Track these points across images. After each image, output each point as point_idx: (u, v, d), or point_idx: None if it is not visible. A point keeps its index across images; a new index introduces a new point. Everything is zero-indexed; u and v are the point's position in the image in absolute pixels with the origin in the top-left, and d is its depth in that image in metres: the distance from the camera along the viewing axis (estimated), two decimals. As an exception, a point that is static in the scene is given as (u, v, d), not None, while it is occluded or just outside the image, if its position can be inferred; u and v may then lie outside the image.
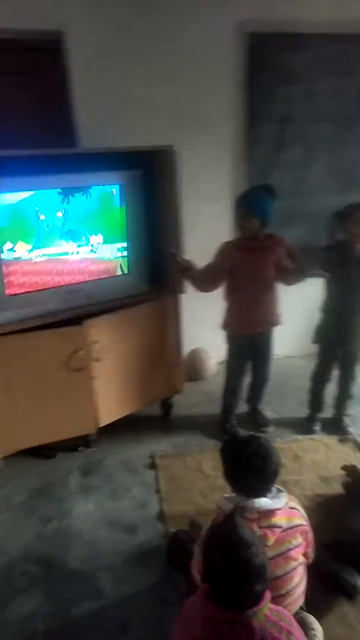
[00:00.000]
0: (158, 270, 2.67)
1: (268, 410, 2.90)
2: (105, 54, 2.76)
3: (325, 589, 1.68)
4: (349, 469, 2.17)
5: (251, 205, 2.36)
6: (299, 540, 1.51)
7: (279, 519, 1.49)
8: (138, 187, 2.47)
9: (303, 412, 2.91)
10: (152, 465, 2.47)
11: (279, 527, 1.48)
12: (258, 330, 2.58)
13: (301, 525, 1.53)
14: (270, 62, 3.06)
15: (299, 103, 3.19)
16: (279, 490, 1.55)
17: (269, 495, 1.52)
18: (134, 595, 1.75)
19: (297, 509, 1.57)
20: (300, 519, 1.55)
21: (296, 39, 3.04)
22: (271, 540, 1.45)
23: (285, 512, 1.51)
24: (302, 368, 3.46)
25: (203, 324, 2.88)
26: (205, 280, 2.46)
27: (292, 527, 1.50)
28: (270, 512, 1.48)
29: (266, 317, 2.55)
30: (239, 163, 3.23)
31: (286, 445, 2.57)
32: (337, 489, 2.23)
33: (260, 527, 1.45)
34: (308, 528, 1.56)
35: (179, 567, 1.76)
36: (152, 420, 2.86)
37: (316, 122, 3.25)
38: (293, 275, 2.47)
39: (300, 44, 3.06)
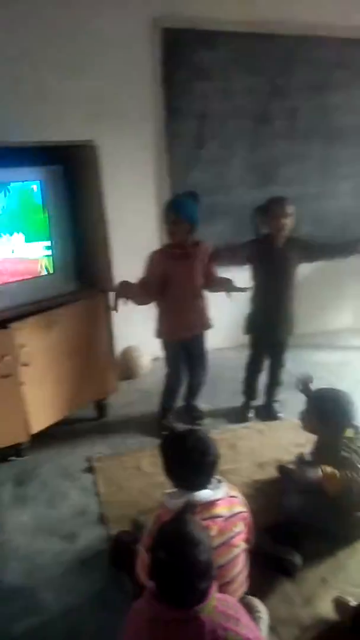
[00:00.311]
0: (85, 268, 2.60)
1: (202, 402, 2.94)
2: (15, 44, 2.64)
3: (266, 570, 1.73)
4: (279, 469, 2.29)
5: (180, 209, 2.39)
6: (240, 527, 1.55)
7: (220, 509, 1.51)
8: (60, 183, 2.39)
9: (236, 401, 2.98)
10: (90, 469, 2.40)
11: (221, 516, 1.50)
12: (191, 335, 2.60)
13: (242, 512, 1.57)
14: (185, 58, 3.09)
15: (216, 100, 3.26)
16: (219, 481, 1.57)
17: (210, 486, 1.54)
18: (78, 604, 1.70)
19: (237, 497, 1.61)
20: (241, 506, 1.59)
21: (209, 37, 3.09)
22: (214, 530, 1.47)
23: (225, 501, 1.54)
24: (234, 359, 3.54)
25: (134, 321, 2.85)
26: (143, 294, 2.43)
27: (233, 515, 1.53)
28: (211, 504, 1.50)
29: (198, 322, 2.59)
30: (161, 159, 3.24)
31: (221, 436, 2.61)
32: (272, 473, 2.32)
33: (203, 519, 1.47)
34: (248, 514, 1.60)
35: (124, 569, 1.72)
36: (87, 422, 2.79)
37: (233, 118, 3.33)
38: (219, 283, 2.52)
39: (214, 42, 3.12)
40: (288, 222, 2.44)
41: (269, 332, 2.66)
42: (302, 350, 3.48)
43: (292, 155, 3.55)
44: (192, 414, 2.83)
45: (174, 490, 1.57)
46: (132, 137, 3.09)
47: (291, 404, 2.90)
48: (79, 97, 2.87)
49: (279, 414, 2.79)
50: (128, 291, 2.41)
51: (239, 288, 2.49)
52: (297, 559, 1.76)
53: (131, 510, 2.09)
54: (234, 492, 1.61)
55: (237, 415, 2.84)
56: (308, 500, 1.91)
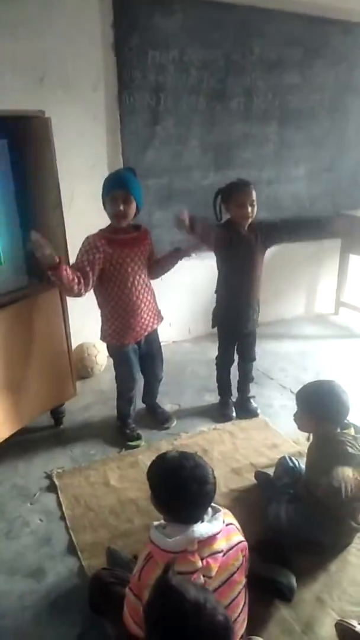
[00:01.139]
0: (36, 259, 2.27)
1: (166, 402, 2.75)
2: None
3: (260, 595, 1.59)
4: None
5: (131, 186, 2.09)
6: (240, 560, 1.38)
7: (220, 543, 1.34)
8: (3, 160, 2.03)
9: (202, 399, 2.84)
10: (51, 487, 2.13)
11: (220, 551, 1.33)
12: (144, 334, 2.33)
13: (240, 541, 1.41)
14: (139, 23, 2.79)
15: (171, 72, 2.99)
16: (216, 510, 1.39)
17: (206, 517, 1.36)
18: (52, 657, 1.48)
19: (233, 524, 1.44)
20: (238, 534, 1.42)
21: (163, 1, 2.80)
22: (214, 569, 1.30)
23: (223, 532, 1.37)
24: (193, 352, 3.40)
25: (85, 315, 2.54)
26: (72, 281, 2.00)
27: (232, 548, 1.37)
28: (211, 539, 1.32)
29: (150, 317, 2.31)
30: (115, 135, 2.93)
31: (192, 440, 2.45)
32: (249, 479, 2.17)
33: (202, 558, 1.29)
34: (246, 543, 1.44)
35: (105, 614, 1.51)
36: (42, 432, 2.50)
37: (188, 93, 3.09)
38: (170, 258, 2.32)
39: (168, 7, 2.83)
40: (253, 210, 2.27)
41: (238, 323, 2.50)
42: (261, 340, 3.37)
43: (249, 137, 3.38)
44: (157, 417, 2.62)
45: (165, 523, 1.38)
46: (81, 109, 2.77)
47: (258, 400, 2.81)
48: (20, 60, 2.49)
49: (258, 410, 2.67)
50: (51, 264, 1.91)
51: (192, 248, 2.29)
52: (293, 580, 1.64)
53: (104, 535, 1.87)
54: (229, 518, 1.44)
55: (218, 414, 2.66)
56: (297, 510, 1.80)
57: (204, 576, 1.28)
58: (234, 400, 2.75)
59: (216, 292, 2.49)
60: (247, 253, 2.35)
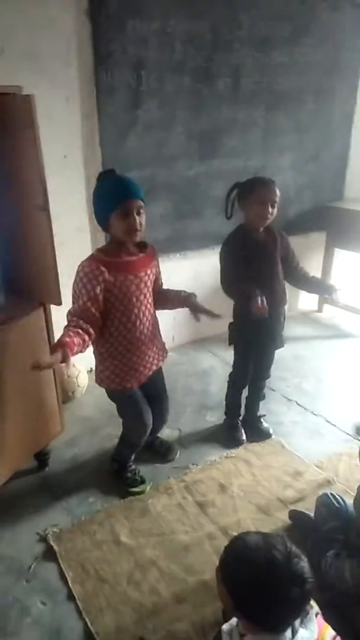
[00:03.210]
0: (16, 272, 1.84)
1: (164, 427, 2.39)
2: None
3: None
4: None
5: (140, 191, 1.65)
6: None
7: (318, 650, 1.04)
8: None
9: (204, 420, 2.52)
10: (48, 554, 1.73)
11: (318, 660, 1.04)
12: (148, 374, 1.93)
13: (335, 636, 1.11)
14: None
15: (153, 46, 2.59)
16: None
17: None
18: None
19: (319, 612, 1.14)
20: (328, 627, 1.13)
21: None
22: None
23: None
24: (181, 364, 3.07)
25: (58, 329, 2.11)
26: (86, 344, 1.60)
27: (328, 649, 1.08)
28: (311, 649, 1.02)
29: (155, 354, 1.91)
30: (90, 120, 2.50)
31: (205, 474, 2.12)
32: (281, 519, 1.87)
33: None
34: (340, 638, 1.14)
35: None
36: (24, 478, 2.07)
37: (173, 72, 2.71)
38: (171, 304, 1.91)
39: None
40: (273, 211, 1.97)
41: (264, 340, 2.18)
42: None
43: (236, 123, 3.05)
44: (157, 449, 2.26)
45: (243, 629, 1.06)
46: (51, 88, 2.30)
47: (266, 417, 2.53)
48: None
49: (270, 430, 2.39)
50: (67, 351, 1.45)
51: (210, 312, 1.83)
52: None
53: (128, 615, 1.51)
54: (316, 607, 1.14)
55: (228, 439, 2.35)
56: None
57: None
58: (240, 420, 2.45)
59: (235, 309, 2.14)
60: (265, 258, 2.04)
